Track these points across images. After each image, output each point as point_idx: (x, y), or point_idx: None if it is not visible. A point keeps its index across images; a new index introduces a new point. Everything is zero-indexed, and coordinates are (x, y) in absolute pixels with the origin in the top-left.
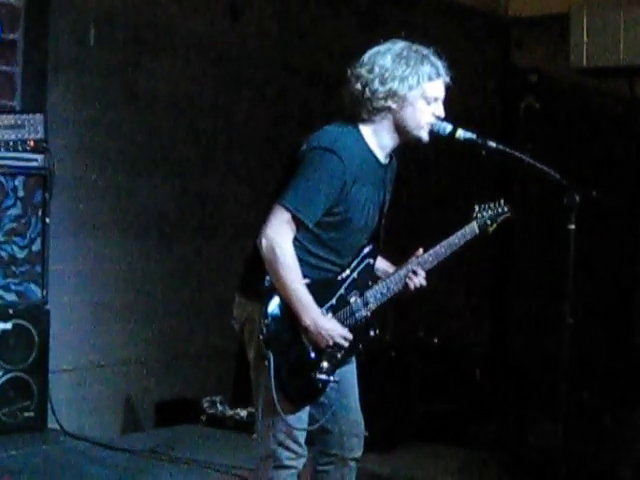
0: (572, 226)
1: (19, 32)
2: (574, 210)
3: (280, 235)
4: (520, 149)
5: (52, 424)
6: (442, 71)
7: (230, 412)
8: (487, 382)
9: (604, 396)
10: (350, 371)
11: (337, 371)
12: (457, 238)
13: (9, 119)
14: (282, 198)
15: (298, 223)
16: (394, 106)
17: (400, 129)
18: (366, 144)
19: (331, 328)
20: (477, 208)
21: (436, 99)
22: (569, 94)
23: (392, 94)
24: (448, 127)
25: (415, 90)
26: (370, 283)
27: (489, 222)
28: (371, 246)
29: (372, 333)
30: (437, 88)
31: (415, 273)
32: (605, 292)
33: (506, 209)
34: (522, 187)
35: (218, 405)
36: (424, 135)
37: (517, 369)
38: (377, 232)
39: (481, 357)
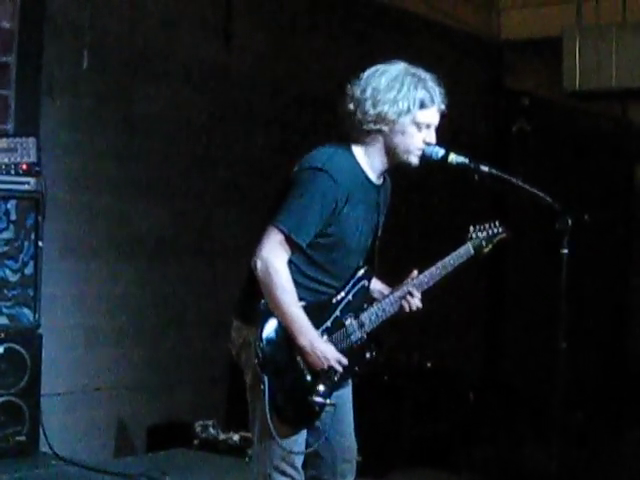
0: (565, 250)
1: (12, 55)
2: (566, 234)
3: (274, 256)
4: (512, 172)
5: (44, 448)
6: (437, 98)
7: (222, 436)
8: (480, 405)
9: (598, 418)
10: (345, 395)
11: (333, 394)
12: (452, 259)
13: (2, 142)
14: (275, 219)
15: (292, 244)
16: (384, 129)
17: (390, 152)
18: (358, 164)
19: (326, 350)
20: (472, 229)
21: (428, 126)
22: (561, 117)
23: (382, 118)
24: (440, 151)
25: (405, 116)
26: (365, 305)
27: (484, 243)
28: (366, 268)
29: (368, 356)
30: (429, 115)
31: (411, 295)
32: (598, 314)
33: (501, 230)
34: (516, 210)
35: (210, 429)
36: (414, 160)
37: (510, 392)
38: (371, 254)
39: (475, 380)
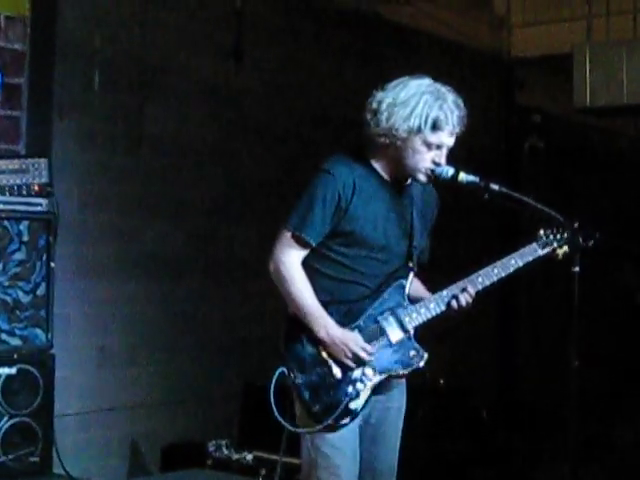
0: (576, 268)
1: (24, 77)
2: (578, 252)
3: (283, 253)
4: (525, 189)
5: (57, 469)
6: (453, 121)
7: (236, 455)
8: (495, 423)
9: (614, 436)
10: (393, 414)
11: (377, 404)
12: (513, 259)
13: (14, 164)
14: (285, 222)
15: (299, 241)
16: (396, 143)
17: (399, 166)
18: (370, 164)
19: (346, 337)
20: (542, 232)
21: (439, 146)
22: (573, 133)
23: (393, 133)
24: (450, 171)
25: (416, 134)
26: (405, 303)
27: (555, 244)
28: (403, 267)
29: (413, 353)
30: (441, 136)
31: (464, 291)
32: (611, 332)
33: (567, 235)
34: (527, 229)
35: (224, 449)
36: (422, 178)
37: (525, 410)
38: (409, 254)
39: (488, 398)
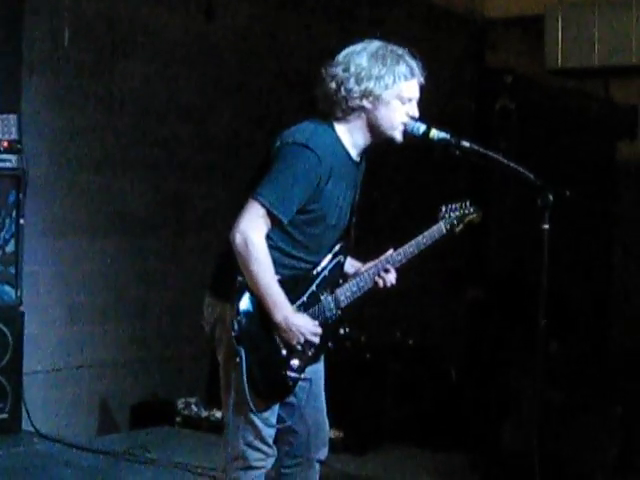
0: (546, 226)
1: None
2: (548, 210)
3: (254, 230)
4: (495, 149)
5: (26, 426)
6: (417, 71)
7: (205, 413)
8: (462, 382)
9: (578, 396)
10: (319, 371)
11: (307, 369)
12: (425, 238)
13: None
14: (257, 193)
15: (272, 218)
16: (369, 106)
17: (374, 129)
18: (340, 142)
19: (302, 325)
20: (444, 208)
21: (410, 99)
22: (544, 94)
23: (367, 93)
24: (422, 127)
25: (390, 90)
26: (341, 281)
27: (456, 222)
28: (342, 244)
29: (342, 331)
30: (412, 88)
31: (386, 271)
32: (580, 291)
33: (472, 210)
34: (496, 187)
35: (193, 406)
36: (397, 135)
37: (492, 368)
38: (349, 230)
39: (457, 357)
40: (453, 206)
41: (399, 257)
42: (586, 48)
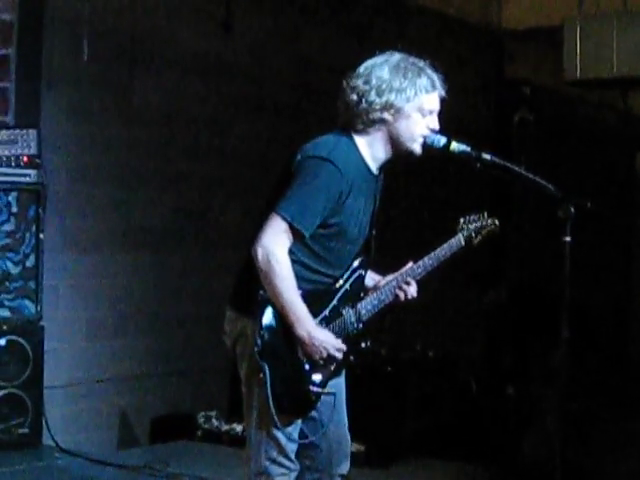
0: (567, 238)
1: (12, 47)
2: (569, 222)
3: (276, 245)
4: (514, 161)
5: (47, 441)
6: (438, 84)
7: (225, 427)
8: (482, 394)
9: (600, 407)
10: (340, 385)
11: (329, 383)
12: (444, 250)
13: (2, 135)
14: (279, 207)
15: (295, 233)
16: (389, 118)
17: (394, 141)
18: (360, 154)
19: (325, 340)
20: (462, 220)
21: (431, 112)
22: (562, 106)
23: (389, 106)
24: (442, 140)
25: (412, 102)
26: (362, 295)
27: (474, 234)
28: (363, 258)
29: (363, 345)
30: (433, 101)
31: (407, 284)
32: (600, 303)
33: (490, 222)
34: (519, 199)
35: (214, 420)
36: (417, 148)
37: (513, 381)
38: (369, 244)
39: (476, 369)
40: (471, 217)
41: (419, 270)
42: (604, 59)
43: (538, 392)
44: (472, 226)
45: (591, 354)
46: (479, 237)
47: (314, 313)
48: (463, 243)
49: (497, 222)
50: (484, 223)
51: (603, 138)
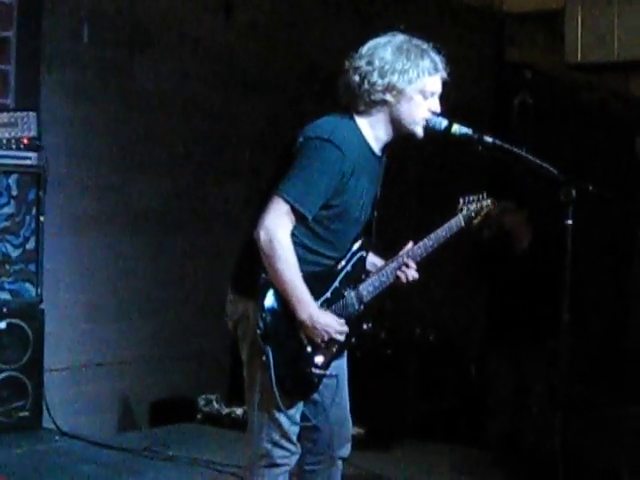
0: (569, 221)
1: (12, 30)
2: (571, 205)
3: (279, 227)
4: (514, 145)
5: (47, 423)
6: (440, 66)
7: (226, 410)
8: (483, 378)
9: (600, 391)
10: (342, 367)
11: (331, 366)
12: (444, 231)
13: (2, 117)
14: (281, 190)
15: (297, 215)
16: (391, 100)
17: (395, 123)
18: (362, 135)
19: (327, 323)
20: (462, 201)
21: (433, 94)
22: (563, 90)
23: (391, 87)
24: (444, 122)
25: (414, 84)
26: (363, 276)
27: (474, 215)
28: (364, 239)
29: (365, 327)
30: (435, 83)
31: (407, 266)
32: (601, 287)
33: (489, 202)
34: (518, 183)
35: (214, 403)
36: (419, 130)
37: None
38: (370, 225)
39: (477, 352)
40: (470, 198)
41: (419, 251)
42: (606, 43)
43: (536, 377)
44: (472, 206)
45: (589, 338)
46: (479, 218)
47: (316, 295)
48: (463, 224)
49: (496, 202)
50: (484, 203)
51: (604, 122)
